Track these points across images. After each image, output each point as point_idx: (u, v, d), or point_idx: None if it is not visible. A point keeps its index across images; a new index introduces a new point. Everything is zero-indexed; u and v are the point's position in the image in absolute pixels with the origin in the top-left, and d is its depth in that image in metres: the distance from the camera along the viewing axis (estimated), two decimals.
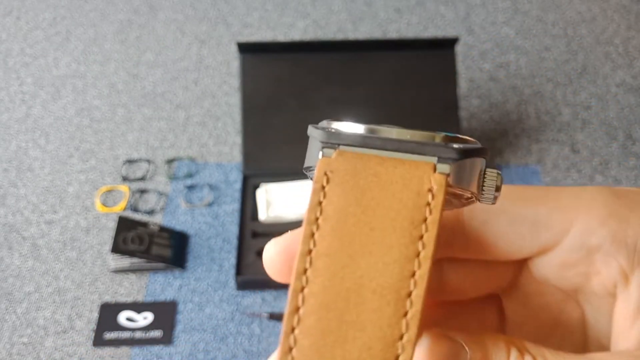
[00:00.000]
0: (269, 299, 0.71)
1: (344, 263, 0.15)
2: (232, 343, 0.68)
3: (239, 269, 0.73)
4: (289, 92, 0.81)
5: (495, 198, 0.17)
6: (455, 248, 0.19)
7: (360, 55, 0.82)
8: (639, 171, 0.84)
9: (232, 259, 0.74)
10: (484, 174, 0.17)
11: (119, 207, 0.80)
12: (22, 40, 1.05)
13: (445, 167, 0.16)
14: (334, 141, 0.16)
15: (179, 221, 0.79)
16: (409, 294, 0.15)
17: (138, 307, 0.71)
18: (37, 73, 0.99)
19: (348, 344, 0.15)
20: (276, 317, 0.69)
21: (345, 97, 0.81)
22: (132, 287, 0.73)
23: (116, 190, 0.83)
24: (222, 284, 0.73)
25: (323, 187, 0.16)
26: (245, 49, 0.80)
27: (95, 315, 0.70)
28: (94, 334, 0.68)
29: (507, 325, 0.22)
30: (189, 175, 0.84)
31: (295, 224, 0.76)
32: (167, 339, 0.68)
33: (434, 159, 0.16)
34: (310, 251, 0.15)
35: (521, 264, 0.20)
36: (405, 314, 0.15)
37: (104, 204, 0.81)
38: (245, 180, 0.81)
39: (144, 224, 0.75)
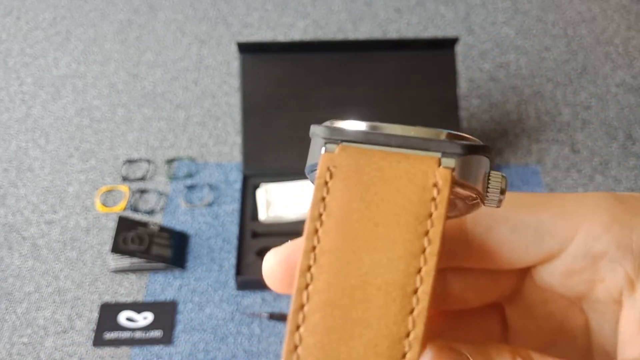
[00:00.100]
0: (269, 299, 0.71)
1: (349, 259, 0.15)
2: (232, 343, 0.68)
3: (239, 269, 0.73)
4: (289, 92, 0.81)
5: (500, 201, 0.17)
6: (458, 257, 0.19)
7: (360, 55, 0.82)
8: (639, 171, 0.84)
9: (232, 259, 0.74)
10: (489, 176, 0.17)
11: (119, 207, 0.80)
12: (22, 40, 1.05)
13: (450, 162, 0.15)
14: (337, 137, 0.16)
15: (179, 221, 0.79)
16: (415, 291, 0.15)
17: (138, 307, 0.71)
18: (37, 73, 0.99)
19: (354, 341, 0.14)
20: (276, 317, 0.69)
21: (345, 97, 0.81)
22: (132, 287, 0.73)
23: (116, 190, 0.83)
24: (222, 284, 0.73)
25: (326, 183, 0.16)
26: (245, 49, 0.80)
27: (95, 315, 0.70)
28: (94, 334, 0.68)
29: (510, 334, 0.21)
30: (189, 175, 0.84)
31: (295, 224, 0.76)
32: (167, 339, 0.68)
33: (439, 155, 0.15)
34: (314, 248, 0.15)
35: (524, 272, 0.20)
36: (412, 311, 0.14)
37: (104, 204, 0.81)
38: (245, 180, 0.81)
39: (144, 224, 0.75)
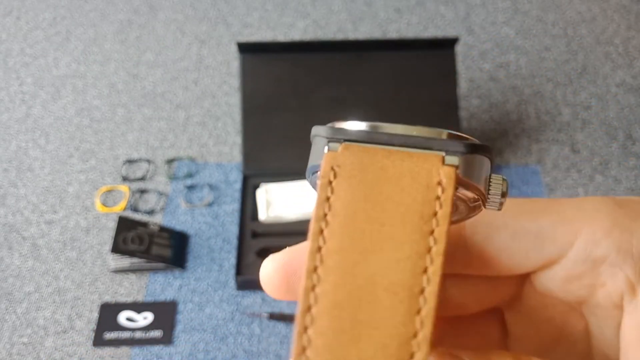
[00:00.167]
0: (269, 299, 0.71)
1: (355, 260, 0.15)
2: (232, 343, 0.68)
3: (239, 269, 0.73)
4: (289, 92, 0.81)
5: (501, 204, 0.17)
6: (458, 264, 0.19)
7: (360, 55, 0.82)
8: (639, 171, 0.84)
9: (232, 259, 0.74)
10: (490, 179, 0.17)
11: (119, 207, 0.80)
12: (22, 40, 1.05)
13: (454, 159, 0.15)
14: (340, 136, 0.16)
15: (179, 221, 0.79)
16: (422, 291, 0.15)
17: (138, 307, 0.71)
18: (37, 73, 0.99)
19: (362, 342, 0.14)
20: (276, 317, 0.69)
21: (345, 97, 0.81)
22: (132, 287, 0.73)
23: (116, 190, 0.83)
24: (222, 284, 0.73)
25: (330, 182, 0.15)
26: (245, 49, 0.80)
27: (95, 315, 0.70)
28: (94, 334, 0.68)
29: (509, 339, 0.21)
30: (189, 175, 0.84)
31: (295, 224, 0.76)
32: (167, 339, 0.68)
33: (442, 153, 0.15)
34: (319, 248, 0.15)
35: (523, 277, 0.20)
36: (419, 312, 0.14)
37: (104, 204, 0.81)
38: (245, 180, 0.81)
39: (144, 224, 0.75)
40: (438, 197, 0.15)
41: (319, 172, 0.17)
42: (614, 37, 1.03)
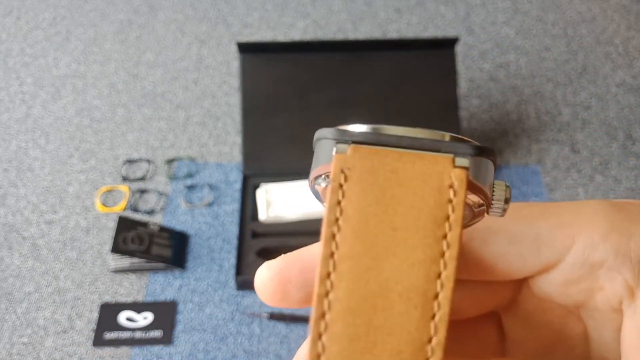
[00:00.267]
0: None
1: (368, 266, 0.15)
2: (232, 343, 0.68)
3: (239, 269, 0.73)
4: (289, 92, 0.81)
5: (505, 210, 0.17)
6: None
7: (360, 55, 0.82)
8: (639, 171, 0.84)
9: (232, 259, 0.74)
10: (493, 185, 0.17)
11: (119, 207, 0.80)
12: (22, 40, 1.05)
13: (464, 161, 0.15)
14: (347, 138, 0.16)
15: (179, 221, 0.79)
16: (436, 296, 0.15)
17: (138, 307, 0.71)
18: (37, 73, 0.99)
19: (377, 348, 0.14)
20: (276, 317, 0.69)
21: (345, 97, 0.81)
22: (132, 287, 0.73)
23: (116, 190, 0.83)
24: (222, 284, 0.73)
25: (341, 186, 0.15)
26: (245, 49, 0.80)
27: (95, 315, 0.70)
28: (94, 334, 0.68)
29: (507, 343, 0.21)
30: (189, 175, 0.84)
31: (295, 224, 0.76)
32: (167, 339, 0.68)
33: (451, 155, 0.15)
34: (332, 254, 0.15)
35: (521, 281, 0.20)
36: (433, 317, 0.14)
37: (104, 204, 0.81)
38: (245, 180, 0.81)
39: (144, 224, 0.75)
40: (450, 200, 0.15)
41: (323, 176, 0.17)
42: (614, 37, 1.03)
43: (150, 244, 0.73)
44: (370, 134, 0.16)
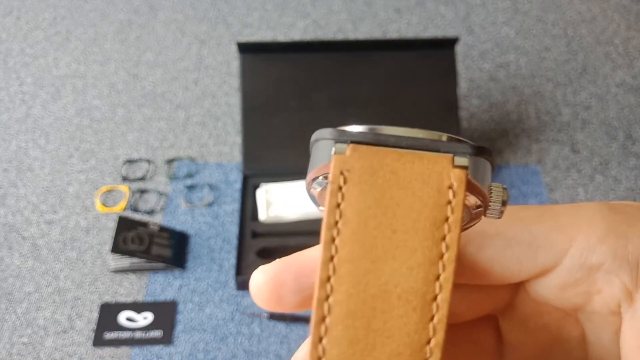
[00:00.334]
0: None
1: (368, 269, 0.15)
2: (232, 343, 0.68)
3: (239, 269, 0.73)
4: (289, 92, 0.81)
5: (502, 212, 0.17)
6: None
7: (360, 55, 0.82)
8: (639, 171, 0.84)
9: (232, 259, 0.74)
10: (490, 188, 0.17)
11: (119, 207, 0.80)
12: (22, 40, 1.05)
13: (464, 160, 0.15)
14: (346, 138, 0.16)
15: (179, 221, 0.79)
16: (435, 298, 0.15)
17: (138, 307, 0.71)
18: (37, 73, 0.99)
19: (376, 351, 0.15)
20: (276, 317, 0.69)
21: (345, 97, 0.81)
22: (132, 287, 0.73)
23: (116, 190, 0.83)
24: (222, 284, 0.73)
25: (340, 188, 0.15)
26: (245, 49, 0.80)
27: (95, 315, 0.70)
28: (94, 334, 0.68)
29: (504, 346, 0.21)
30: (189, 175, 0.84)
31: (295, 224, 0.76)
32: (167, 339, 0.68)
33: (450, 155, 0.15)
34: (332, 258, 0.15)
35: (518, 285, 0.20)
36: (432, 318, 0.15)
37: (104, 204, 0.81)
38: (245, 180, 0.81)
39: (144, 224, 0.75)
40: (449, 202, 0.15)
41: (321, 178, 0.17)
42: (614, 37, 1.03)
43: (150, 244, 0.73)
44: (369, 134, 0.16)
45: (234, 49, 0.99)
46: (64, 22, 1.08)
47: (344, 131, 0.16)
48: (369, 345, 0.15)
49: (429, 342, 0.14)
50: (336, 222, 0.15)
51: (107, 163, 0.86)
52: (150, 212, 0.80)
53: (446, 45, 0.81)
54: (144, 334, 0.68)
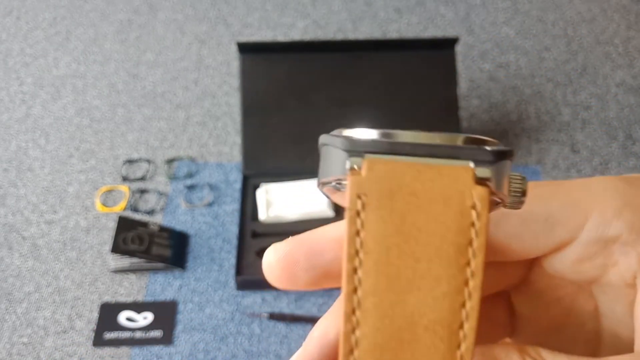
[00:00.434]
0: (269, 299, 0.71)
1: (393, 301, 0.15)
2: (232, 343, 0.68)
3: (239, 269, 0.73)
4: (289, 92, 0.81)
5: (522, 203, 0.16)
6: None
7: (360, 55, 0.82)
8: (639, 171, 0.84)
9: (232, 259, 0.74)
10: (510, 179, 0.16)
11: (119, 207, 0.80)
12: (22, 40, 1.05)
13: (486, 171, 0.15)
14: (360, 148, 0.15)
15: (179, 221, 0.79)
16: (461, 326, 0.14)
17: (138, 307, 0.71)
18: (37, 73, 0.99)
19: None
20: (276, 317, 0.69)
21: (345, 97, 0.81)
22: (132, 287, 0.73)
23: (116, 190, 0.83)
24: (222, 284, 0.73)
25: (358, 214, 0.15)
26: (245, 49, 0.80)
27: (95, 315, 0.70)
28: (94, 334, 0.68)
29: (517, 321, 0.21)
30: (189, 175, 0.84)
31: (295, 224, 0.76)
32: (167, 339, 0.68)
33: (470, 164, 0.15)
34: (355, 290, 0.15)
35: (532, 260, 0.20)
36: (459, 346, 0.14)
37: (104, 204, 0.81)
38: (245, 180, 0.81)
39: (144, 224, 0.75)
40: (473, 224, 0.14)
41: (334, 182, 0.16)
42: (614, 37, 1.03)
43: (150, 244, 0.73)
44: (383, 143, 0.15)
45: (234, 49, 0.99)
46: (64, 22, 1.08)
47: (357, 141, 0.15)
48: None
49: None
50: (357, 252, 0.15)
51: (107, 163, 0.86)
52: (150, 212, 0.80)
53: (446, 45, 0.81)
54: (144, 334, 0.68)
